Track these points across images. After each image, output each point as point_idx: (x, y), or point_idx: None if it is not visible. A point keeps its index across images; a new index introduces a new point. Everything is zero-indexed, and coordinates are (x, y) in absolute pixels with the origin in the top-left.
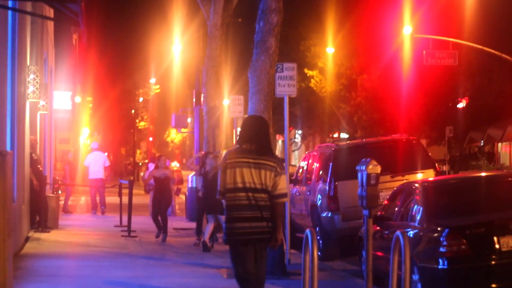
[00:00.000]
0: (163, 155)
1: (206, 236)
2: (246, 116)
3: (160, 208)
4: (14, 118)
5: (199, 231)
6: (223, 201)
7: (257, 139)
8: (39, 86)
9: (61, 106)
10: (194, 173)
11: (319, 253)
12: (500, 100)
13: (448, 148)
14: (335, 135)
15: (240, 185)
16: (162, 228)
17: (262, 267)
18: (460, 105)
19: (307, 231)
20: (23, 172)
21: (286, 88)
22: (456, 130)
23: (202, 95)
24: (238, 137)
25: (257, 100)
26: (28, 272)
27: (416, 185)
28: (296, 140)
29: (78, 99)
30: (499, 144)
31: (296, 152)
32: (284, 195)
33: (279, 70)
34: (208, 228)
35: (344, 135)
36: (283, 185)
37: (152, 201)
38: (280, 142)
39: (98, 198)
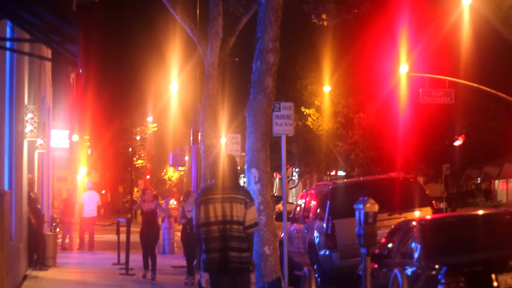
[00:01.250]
0: (148, 188)
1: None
2: (225, 155)
3: (148, 243)
4: (12, 157)
5: (190, 269)
6: (201, 235)
7: (227, 175)
8: (37, 125)
9: (59, 145)
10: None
11: None
12: (496, 138)
13: (445, 186)
14: (332, 173)
15: (212, 219)
16: (150, 265)
17: None
18: (457, 142)
19: (305, 269)
20: (21, 211)
21: (283, 127)
22: (453, 168)
23: (200, 133)
24: (209, 175)
25: (254, 139)
26: None
27: (414, 223)
28: (293, 177)
29: (75, 137)
30: (496, 181)
31: (294, 190)
32: (255, 224)
33: (276, 109)
34: None
35: (341, 173)
36: (254, 215)
37: (140, 236)
38: (277, 180)
39: (87, 236)
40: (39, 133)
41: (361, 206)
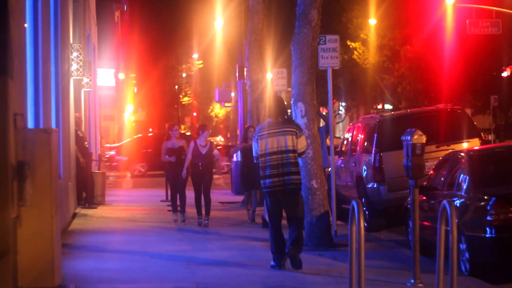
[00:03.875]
0: (175, 125)
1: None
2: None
3: (177, 185)
4: (58, 95)
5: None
6: (260, 163)
7: (279, 113)
8: (82, 64)
9: (105, 83)
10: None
11: (365, 224)
12: None
13: (493, 117)
14: (379, 107)
15: (269, 150)
16: (180, 207)
17: (297, 208)
18: (505, 73)
19: (353, 201)
20: (68, 149)
21: (329, 60)
22: (501, 99)
23: (245, 69)
24: (267, 114)
25: (300, 72)
26: (75, 248)
27: (462, 154)
28: (340, 112)
29: (121, 75)
30: None
31: (340, 124)
32: (304, 152)
33: (322, 42)
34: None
35: (388, 106)
36: (303, 143)
37: (166, 177)
38: (324, 114)
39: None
40: (85, 72)
41: (408, 137)
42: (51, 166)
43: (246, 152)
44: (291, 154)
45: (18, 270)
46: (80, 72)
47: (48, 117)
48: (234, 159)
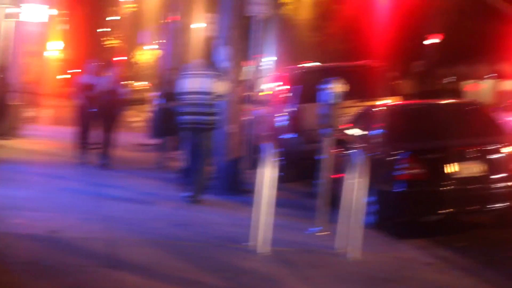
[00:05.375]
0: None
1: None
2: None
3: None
4: None
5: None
6: (180, 99)
7: (205, 55)
8: None
9: (34, 19)
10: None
11: (281, 174)
12: (471, 39)
13: (418, 83)
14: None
15: (189, 89)
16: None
17: (204, 149)
18: (432, 40)
19: (267, 143)
20: None
21: (258, 7)
22: (426, 65)
23: (172, 12)
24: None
25: (228, 15)
26: None
27: (377, 108)
28: (265, 66)
29: (50, 11)
30: (465, 81)
31: (266, 79)
32: (221, 96)
33: None
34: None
35: (311, 64)
36: (224, 87)
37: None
38: (249, 67)
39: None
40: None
41: (327, 86)
42: None
43: (166, 95)
44: (208, 96)
45: None
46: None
47: None
48: (156, 103)
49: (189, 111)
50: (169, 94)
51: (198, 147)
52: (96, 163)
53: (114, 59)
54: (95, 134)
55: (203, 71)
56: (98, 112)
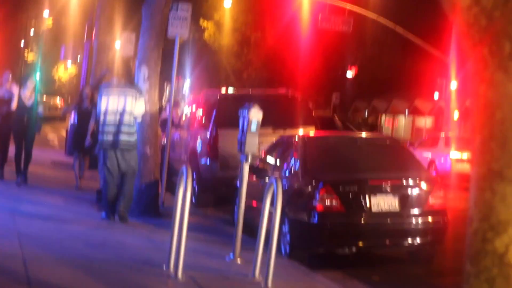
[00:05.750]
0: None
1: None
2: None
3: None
4: None
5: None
6: (100, 120)
7: (123, 74)
8: None
9: None
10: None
11: (193, 200)
12: (388, 73)
13: (333, 114)
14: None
15: (109, 108)
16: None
17: (128, 167)
18: (349, 73)
19: (183, 167)
20: None
21: (178, 29)
22: (343, 98)
23: (94, 29)
24: (114, 73)
25: (148, 36)
26: None
27: (295, 138)
28: (184, 92)
29: None
30: (383, 116)
31: (183, 102)
32: (141, 116)
33: (174, 9)
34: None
35: (231, 90)
36: (141, 108)
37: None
38: (168, 91)
39: None
40: None
41: (245, 112)
42: None
43: (81, 113)
44: (127, 116)
45: None
46: None
47: None
48: (71, 120)
49: (109, 131)
50: (83, 111)
51: (119, 167)
52: (12, 180)
53: (33, 73)
54: (9, 150)
55: (123, 90)
56: (11, 127)
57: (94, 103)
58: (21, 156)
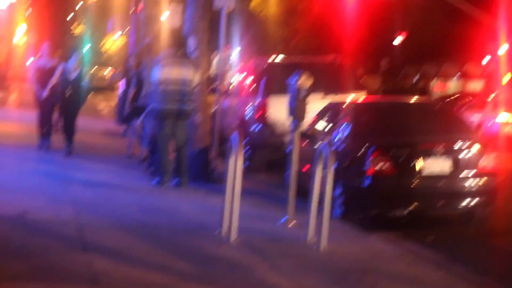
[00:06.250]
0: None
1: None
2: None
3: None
4: None
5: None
6: (158, 89)
7: (179, 46)
8: None
9: None
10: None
11: (246, 164)
12: (437, 38)
13: (383, 81)
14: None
15: (170, 77)
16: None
17: (185, 135)
18: (398, 39)
19: (234, 134)
20: None
21: (224, 1)
22: (392, 63)
23: (141, 1)
24: (169, 44)
25: (194, 7)
26: None
27: (345, 103)
28: (232, 59)
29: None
30: (433, 81)
31: (232, 71)
32: (195, 86)
33: None
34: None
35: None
36: (197, 78)
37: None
38: (216, 60)
39: None
40: None
41: (294, 80)
42: None
43: (129, 82)
44: (185, 86)
45: None
46: None
47: None
48: (120, 90)
49: (170, 99)
50: (133, 80)
51: (174, 135)
52: (61, 149)
53: (78, 46)
54: (57, 119)
55: (182, 61)
56: (56, 96)
57: (137, 72)
58: (68, 125)
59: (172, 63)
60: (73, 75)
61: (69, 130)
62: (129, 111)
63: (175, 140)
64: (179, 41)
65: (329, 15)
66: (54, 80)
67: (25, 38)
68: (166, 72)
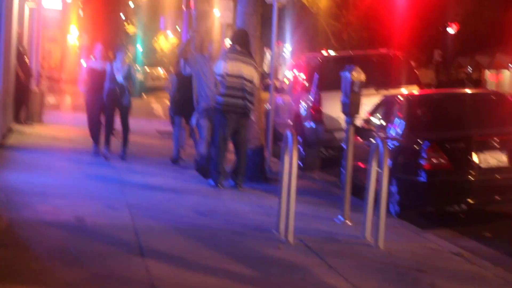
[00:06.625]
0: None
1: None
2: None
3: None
4: (1, 7)
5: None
6: (223, 83)
7: (246, 45)
8: None
9: (51, 6)
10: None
11: (300, 163)
12: (490, 27)
13: (436, 73)
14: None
15: (237, 73)
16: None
17: (245, 134)
18: (450, 29)
19: (287, 132)
20: (8, 63)
21: None
22: (444, 55)
23: None
24: (233, 41)
25: (245, 2)
26: (9, 162)
27: (399, 97)
28: (284, 54)
29: None
30: (487, 71)
31: (284, 67)
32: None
33: None
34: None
35: (332, 53)
36: (258, 77)
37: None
38: (267, 55)
39: None
40: None
41: (347, 74)
42: None
43: (179, 79)
44: (250, 83)
45: None
46: None
47: None
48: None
49: (233, 94)
50: (181, 77)
51: (234, 133)
52: (112, 152)
53: (124, 45)
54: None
55: (247, 57)
56: (107, 98)
57: (179, 71)
58: (111, 129)
59: (237, 58)
60: (119, 75)
61: (123, 132)
62: (173, 111)
63: (236, 139)
64: (248, 39)
65: (381, 6)
66: (105, 82)
67: (78, 40)
68: (230, 66)
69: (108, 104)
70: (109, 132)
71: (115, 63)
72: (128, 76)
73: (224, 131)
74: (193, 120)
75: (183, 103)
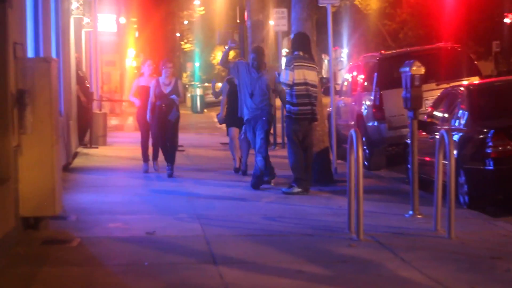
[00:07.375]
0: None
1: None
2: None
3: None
4: (58, 33)
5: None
6: (292, 91)
7: (308, 49)
8: (82, 2)
9: (106, 29)
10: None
11: (365, 163)
12: None
13: (495, 64)
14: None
15: (303, 80)
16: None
17: (311, 137)
18: (507, 19)
19: (352, 131)
20: (69, 87)
21: None
22: (503, 45)
23: (246, 10)
24: (295, 46)
25: (299, 8)
26: (77, 183)
27: (461, 88)
28: (341, 59)
29: (122, 20)
30: None
31: (342, 71)
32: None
33: None
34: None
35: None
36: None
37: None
38: (326, 62)
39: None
40: (85, 11)
41: (407, 69)
42: (51, 95)
43: (232, 89)
44: (314, 87)
45: (19, 198)
46: (80, 10)
47: (48, 52)
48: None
49: (304, 101)
50: (233, 87)
51: (304, 138)
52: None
53: (169, 60)
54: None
55: (311, 63)
56: (151, 114)
57: (229, 80)
58: (165, 146)
59: (303, 66)
60: (166, 90)
61: (170, 149)
62: (222, 120)
63: (304, 143)
64: (310, 45)
65: (434, 2)
66: (151, 99)
67: (135, 61)
68: (298, 74)
69: (152, 120)
70: (157, 149)
71: (161, 79)
72: (176, 92)
73: (295, 137)
74: (241, 135)
75: (233, 113)
